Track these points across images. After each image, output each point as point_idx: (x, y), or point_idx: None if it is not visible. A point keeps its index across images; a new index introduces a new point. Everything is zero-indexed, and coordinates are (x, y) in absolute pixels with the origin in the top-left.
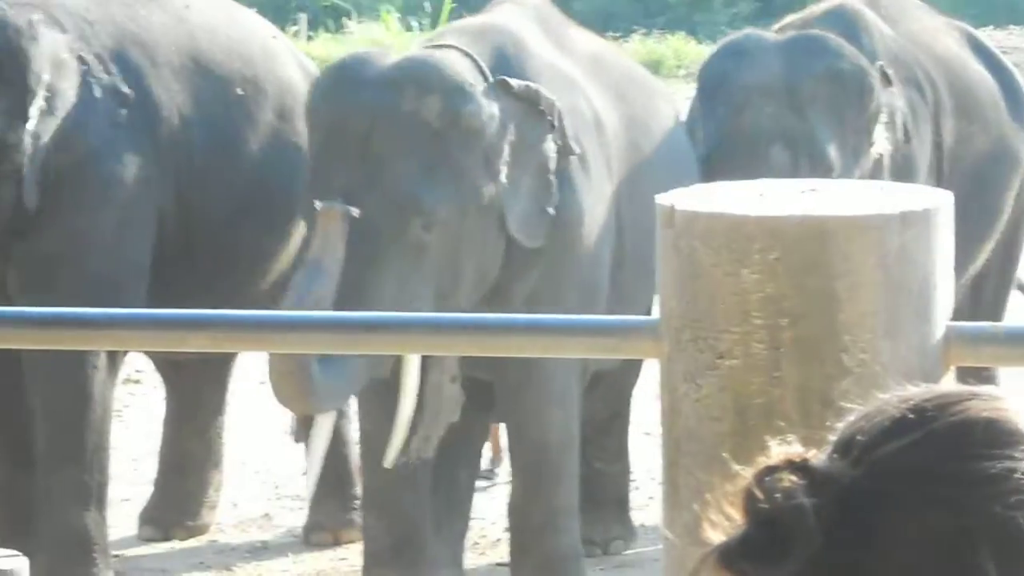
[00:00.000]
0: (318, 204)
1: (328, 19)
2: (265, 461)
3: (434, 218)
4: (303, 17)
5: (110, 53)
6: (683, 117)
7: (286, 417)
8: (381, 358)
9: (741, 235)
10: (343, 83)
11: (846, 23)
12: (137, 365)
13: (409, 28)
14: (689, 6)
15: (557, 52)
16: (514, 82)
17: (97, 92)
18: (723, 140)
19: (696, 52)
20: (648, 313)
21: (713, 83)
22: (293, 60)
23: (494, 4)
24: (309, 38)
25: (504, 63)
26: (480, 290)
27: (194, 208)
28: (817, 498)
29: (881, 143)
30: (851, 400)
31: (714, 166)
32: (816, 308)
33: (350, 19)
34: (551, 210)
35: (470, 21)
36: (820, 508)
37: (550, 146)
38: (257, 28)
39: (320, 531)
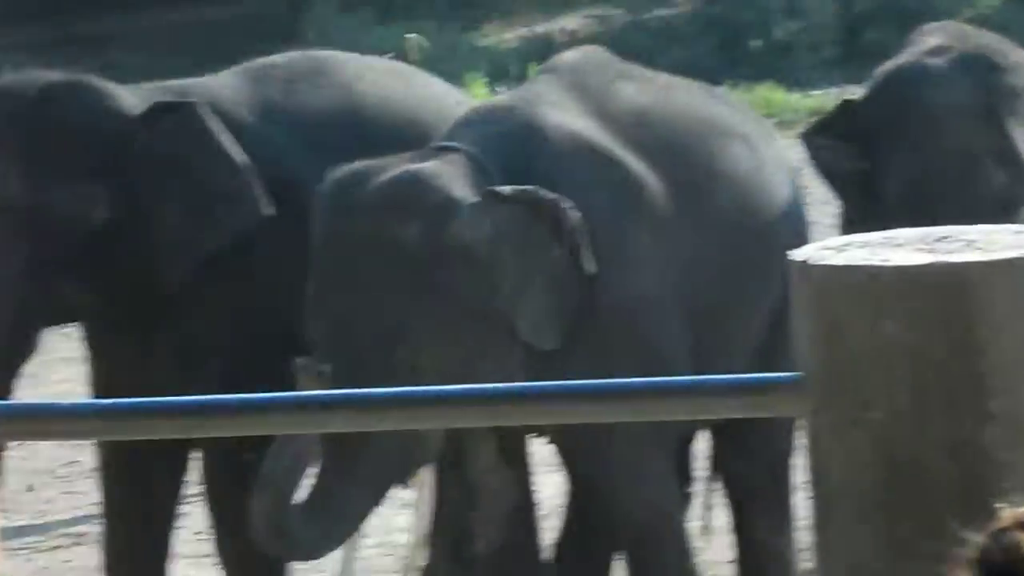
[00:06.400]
0: (297, 362)
1: None
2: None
3: (422, 347)
4: None
5: (266, 135)
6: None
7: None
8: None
9: (880, 286)
10: (337, 207)
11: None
12: None
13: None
14: (773, 54)
15: (592, 120)
16: (507, 190)
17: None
18: (924, 166)
19: (784, 100)
20: (751, 370)
21: (894, 114)
22: None
23: (541, 68)
24: None
25: (517, 155)
26: None
27: None
28: None
29: None
30: (1000, 448)
31: (917, 193)
32: (959, 356)
33: None
34: (565, 311)
35: (492, 104)
36: None
37: (554, 249)
38: (437, 94)
39: None
